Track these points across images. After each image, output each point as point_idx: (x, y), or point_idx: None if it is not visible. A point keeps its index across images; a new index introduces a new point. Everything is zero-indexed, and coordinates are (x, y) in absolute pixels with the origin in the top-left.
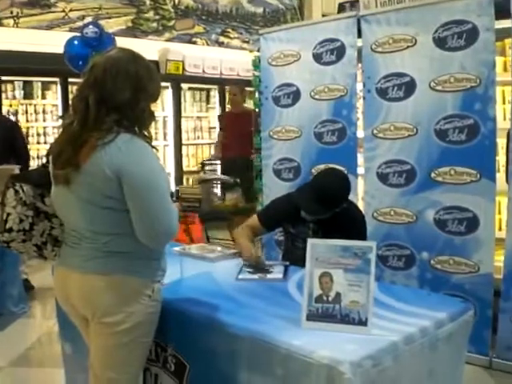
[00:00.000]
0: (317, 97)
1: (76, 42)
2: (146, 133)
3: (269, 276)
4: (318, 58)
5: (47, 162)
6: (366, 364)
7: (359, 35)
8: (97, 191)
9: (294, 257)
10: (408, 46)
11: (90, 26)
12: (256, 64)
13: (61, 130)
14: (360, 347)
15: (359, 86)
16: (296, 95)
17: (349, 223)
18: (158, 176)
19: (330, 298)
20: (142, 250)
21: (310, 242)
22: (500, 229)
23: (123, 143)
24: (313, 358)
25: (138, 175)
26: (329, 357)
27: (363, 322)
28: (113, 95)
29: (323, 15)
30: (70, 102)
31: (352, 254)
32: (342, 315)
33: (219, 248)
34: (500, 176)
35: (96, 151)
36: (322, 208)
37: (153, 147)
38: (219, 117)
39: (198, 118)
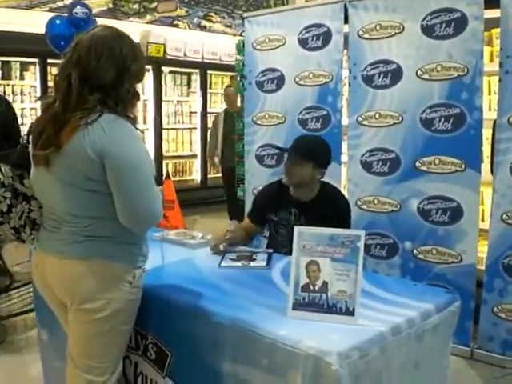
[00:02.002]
0: (301, 82)
1: (60, 22)
2: (130, 114)
3: (252, 263)
4: (303, 43)
5: (27, 142)
6: (354, 355)
7: (346, 21)
8: (78, 173)
9: (278, 244)
10: (395, 33)
11: (79, 7)
12: (240, 48)
13: (42, 108)
14: (347, 337)
15: (345, 73)
16: (280, 80)
17: (332, 208)
18: (142, 158)
19: (316, 287)
20: (124, 235)
21: (297, 229)
22: (483, 220)
23: (106, 124)
24: (299, 349)
25: (121, 157)
26: (315, 347)
27: (350, 312)
28: (96, 74)
29: (306, 0)
30: (52, 80)
31: (340, 242)
32: (329, 305)
33: (200, 234)
34: (484, 166)
35: (78, 131)
36: (300, 152)
37: (137, 129)
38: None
39: (178, 102)
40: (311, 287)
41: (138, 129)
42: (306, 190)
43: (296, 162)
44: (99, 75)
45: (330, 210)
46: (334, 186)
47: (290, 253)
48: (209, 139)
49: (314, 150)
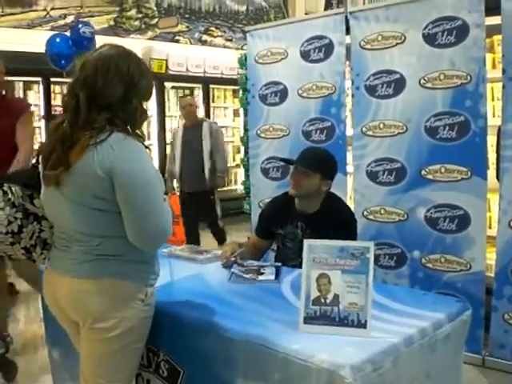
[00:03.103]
0: (304, 95)
1: (60, 40)
2: (138, 132)
3: (260, 277)
4: (305, 55)
5: (37, 161)
6: (367, 367)
7: (347, 32)
8: (88, 192)
9: (286, 257)
10: (397, 43)
11: (81, 25)
12: (242, 62)
13: (51, 129)
14: (360, 350)
15: (348, 84)
16: (283, 93)
17: (336, 219)
18: (151, 176)
19: (327, 300)
20: (134, 253)
21: (307, 242)
22: (490, 227)
23: (115, 143)
24: (312, 363)
25: (130, 174)
26: (328, 361)
27: (362, 325)
28: (104, 93)
29: (306, 13)
30: (61, 101)
31: (349, 254)
32: (341, 317)
33: (207, 249)
34: (490, 173)
35: (87, 151)
36: (308, 163)
37: (146, 147)
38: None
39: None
40: (322, 300)
41: (146, 146)
42: (311, 201)
43: (304, 173)
44: (106, 93)
45: (335, 221)
46: (339, 197)
47: (298, 266)
48: (168, 162)
49: (322, 161)
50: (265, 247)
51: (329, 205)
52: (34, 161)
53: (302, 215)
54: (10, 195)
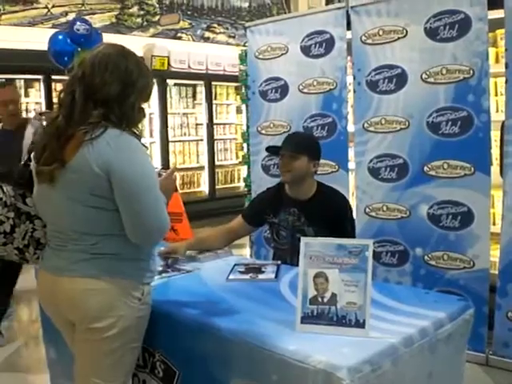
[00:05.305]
0: (305, 90)
1: (62, 37)
2: (134, 130)
3: (260, 276)
4: (306, 50)
5: (29, 159)
6: (365, 369)
7: (348, 27)
8: (84, 189)
9: (282, 248)
10: (399, 38)
11: (78, 23)
12: (242, 58)
13: (46, 124)
14: (358, 351)
15: (349, 79)
16: (284, 89)
17: (331, 206)
18: (148, 172)
19: (325, 300)
20: (131, 251)
21: (304, 240)
22: (494, 223)
23: (111, 138)
24: (309, 364)
25: (127, 171)
26: (325, 362)
27: (361, 324)
28: (101, 89)
29: (309, 8)
30: (57, 97)
31: (347, 252)
32: (339, 317)
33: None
34: (493, 169)
35: (83, 146)
36: (294, 146)
37: (143, 145)
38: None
39: (184, 114)
40: (319, 299)
41: (143, 144)
42: (304, 187)
43: (291, 157)
44: (103, 90)
45: (329, 208)
46: (330, 186)
47: (293, 260)
48: None
49: (306, 142)
50: (242, 233)
51: (322, 192)
52: (25, 158)
53: (296, 202)
54: (1, 195)
